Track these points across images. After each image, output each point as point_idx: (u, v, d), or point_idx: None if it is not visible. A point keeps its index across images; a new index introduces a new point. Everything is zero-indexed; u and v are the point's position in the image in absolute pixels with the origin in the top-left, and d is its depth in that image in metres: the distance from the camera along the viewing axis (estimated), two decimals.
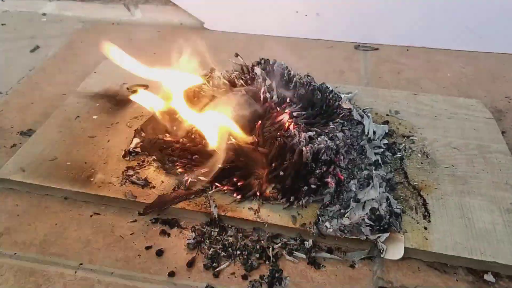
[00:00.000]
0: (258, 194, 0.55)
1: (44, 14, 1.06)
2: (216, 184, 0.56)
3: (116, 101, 0.73)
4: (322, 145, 0.55)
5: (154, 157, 0.60)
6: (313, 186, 0.54)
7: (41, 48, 0.93)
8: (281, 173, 0.54)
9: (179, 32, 0.98)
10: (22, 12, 1.06)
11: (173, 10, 1.00)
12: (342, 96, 0.69)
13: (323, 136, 0.57)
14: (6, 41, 0.95)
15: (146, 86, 0.76)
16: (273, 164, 0.55)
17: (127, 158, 0.61)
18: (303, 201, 0.54)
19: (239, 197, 0.55)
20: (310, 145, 0.55)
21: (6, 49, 0.93)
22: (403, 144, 0.67)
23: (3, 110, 0.75)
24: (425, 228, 0.55)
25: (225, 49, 0.94)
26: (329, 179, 0.55)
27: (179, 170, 0.58)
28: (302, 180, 0.55)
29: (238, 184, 0.55)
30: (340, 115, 0.65)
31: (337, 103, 0.67)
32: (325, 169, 0.55)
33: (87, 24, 1.03)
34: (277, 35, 0.97)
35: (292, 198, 0.54)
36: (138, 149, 0.62)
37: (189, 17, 1.00)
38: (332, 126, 0.61)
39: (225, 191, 0.56)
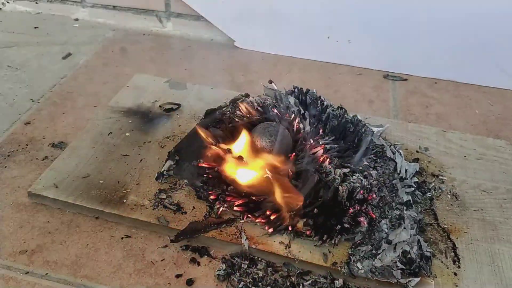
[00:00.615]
0: (290, 228, 0.55)
1: (76, 20, 1.06)
2: (249, 215, 0.56)
3: (148, 119, 0.73)
4: (358, 184, 0.55)
5: (186, 181, 0.61)
6: (346, 225, 0.54)
7: (72, 55, 0.93)
8: (315, 210, 0.54)
9: (210, 48, 0.99)
10: (55, 16, 1.07)
11: (204, 25, 1.01)
12: (375, 130, 0.69)
13: (357, 174, 0.57)
14: (38, 46, 0.96)
15: (178, 105, 0.76)
16: (307, 200, 0.55)
17: (160, 181, 0.62)
18: (336, 240, 0.54)
19: (270, 230, 0.55)
20: (346, 183, 0.55)
21: (39, 53, 0.94)
22: (433, 184, 0.67)
23: (35, 119, 0.76)
24: (455, 274, 0.55)
25: (255, 69, 0.95)
26: (362, 219, 0.55)
27: (212, 197, 0.58)
28: (336, 218, 0.55)
29: (271, 217, 0.55)
30: (373, 151, 0.65)
31: (369, 137, 0.67)
32: (358, 208, 0.55)
33: (118, 32, 1.03)
34: (306, 57, 0.97)
35: (325, 236, 0.54)
36: (171, 172, 0.62)
37: (220, 33, 1.00)
38: (366, 162, 0.61)
39: (258, 223, 0.56)
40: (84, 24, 1.06)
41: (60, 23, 1.05)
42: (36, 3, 1.08)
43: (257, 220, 0.56)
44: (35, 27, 1.03)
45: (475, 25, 0.87)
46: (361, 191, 0.56)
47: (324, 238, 0.54)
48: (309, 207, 0.55)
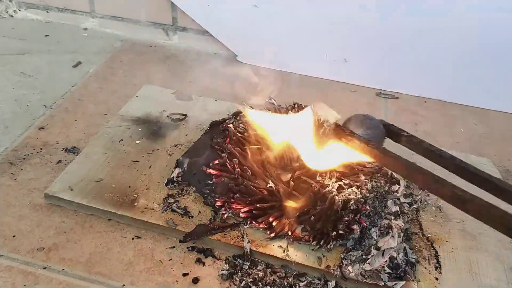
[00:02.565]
0: (289, 234, 0.60)
1: (85, 29, 1.11)
2: (253, 221, 0.61)
3: (157, 128, 0.78)
4: (352, 196, 0.61)
5: (194, 188, 0.65)
6: (340, 232, 0.60)
7: (82, 64, 0.98)
8: (312, 217, 0.60)
9: (213, 62, 1.04)
10: (65, 25, 1.12)
11: (209, 40, 1.06)
12: None
13: (353, 187, 0.63)
14: (49, 54, 1.01)
15: (185, 116, 0.81)
16: (305, 209, 0.60)
17: (169, 187, 0.66)
18: (331, 245, 0.59)
19: (272, 235, 0.60)
20: (342, 194, 0.61)
21: (50, 61, 0.98)
22: (419, 196, 0.72)
23: (48, 125, 0.80)
24: (436, 279, 0.60)
25: (255, 83, 1.00)
26: (355, 226, 0.60)
27: (218, 204, 0.63)
28: (331, 225, 0.60)
29: (273, 223, 0.60)
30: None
31: None
32: (352, 216, 0.60)
33: (126, 43, 1.08)
34: (304, 74, 1.03)
35: (321, 242, 0.59)
36: (180, 179, 0.67)
37: (223, 48, 1.06)
38: (363, 177, 0.66)
39: (260, 228, 0.61)
40: (93, 33, 1.10)
41: (70, 32, 1.10)
42: (47, 11, 1.13)
43: (260, 226, 0.61)
44: (46, 35, 1.08)
45: (462, 48, 0.94)
46: (356, 202, 0.61)
47: (321, 243, 0.59)
48: (306, 214, 0.60)
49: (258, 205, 0.60)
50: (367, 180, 0.65)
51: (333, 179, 0.64)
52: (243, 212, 0.60)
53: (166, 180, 0.67)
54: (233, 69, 1.02)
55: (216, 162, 0.65)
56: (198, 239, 0.61)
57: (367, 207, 0.63)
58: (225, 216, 0.62)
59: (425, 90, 1.00)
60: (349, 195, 0.61)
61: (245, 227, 0.61)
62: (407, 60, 0.98)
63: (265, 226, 0.61)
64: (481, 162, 0.81)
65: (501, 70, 0.95)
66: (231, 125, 0.73)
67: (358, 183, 0.64)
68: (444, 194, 0.43)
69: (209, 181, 0.65)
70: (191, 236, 0.60)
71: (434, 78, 0.99)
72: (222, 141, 0.70)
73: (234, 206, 0.61)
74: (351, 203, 0.60)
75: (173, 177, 0.67)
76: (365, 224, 0.62)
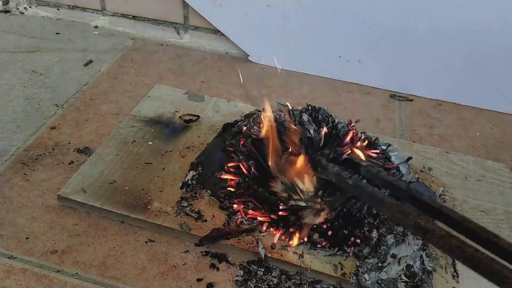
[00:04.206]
0: (306, 239, 0.59)
1: (96, 27, 1.10)
2: (272, 230, 0.60)
3: (169, 129, 0.77)
4: None
5: (209, 191, 0.65)
6: (359, 238, 0.59)
7: (93, 63, 0.97)
8: (335, 222, 0.59)
9: (225, 61, 1.03)
10: (75, 23, 1.11)
11: (220, 39, 1.05)
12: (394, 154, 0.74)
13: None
14: (60, 52, 1.00)
15: (197, 117, 0.80)
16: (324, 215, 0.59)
17: (184, 190, 0.65)
18: (350, 252, 0.59)
19: (291, 242, 0.59)
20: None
21: (61, 60, 0.97)
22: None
23: (60, 125, 0.80)
24: None
25: (268, 84, 0.99)
26: (373, 233, 0.59)
27: (234, 208, 0.62)
28: (350, 230, 0.59)
29: (290, 230, 0.59)
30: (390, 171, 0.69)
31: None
32: (372, 221, 0.60)
33: (137, 41, 1.07)
34: (317, 74, 1.02)
35: (340, 248, 0.58)
36: (194, 182, 0.66)
37: (234, 47, 1.04)
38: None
39: (276, 235, 0.61)
40: (104, 32, 1.10)
41: (80, 30, 1.09)
42: (58, 9, 1.12)
43: (278, 233, 0.60)
44: (56, 33, 1.07)
45: (478, 50, 0.92)
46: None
47: (341, 250, 0.59)
48: (324, 221, 0.59)
49: (273, 216, 0.59)
50: None
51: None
52: (259, 219, 0.59)
53: (181, 184, 0.66)
54: (245, 69, 1.01)
55: (230, 164, 0.64)
56: (215, 242, 0.60)
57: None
58: (239, 221, 0.61)
59: (440, 93, 0.98)
60: None
61: (262, 234, 0.61)
62: (421, 62, 0.96)
63: (282, 234, 0.60)
64: (497, 168, 0.80)
65: None
66: (244, 127, 0.72)
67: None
68: (407, 224, 0.44)
69: (224, 184, 0.64)
70: (207, 239, 0.60)
71: (449, 81, 0.97)
72: (235, 143, 0.69)
73: (250, 212, 0.60)
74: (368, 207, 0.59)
75: (188, 180, 0.66)
76: (381, 231, 0.61)
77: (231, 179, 0.63)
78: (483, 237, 0.40)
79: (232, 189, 0.63)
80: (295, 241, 0.59)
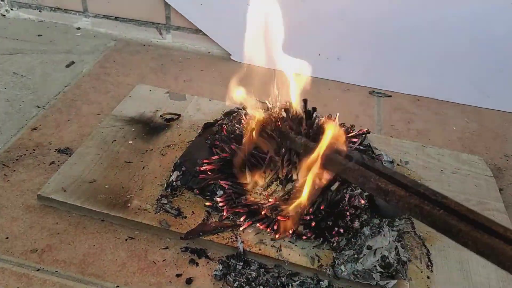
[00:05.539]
0: (290, 232, 0.61)
1: (78, 29, 1.11)
2: (258, 225, 0.61)
3: (150, 128, 0.78)
4: (357, 192, 0.62)
5: (196, 191, 0.66)
6: (342, 228, 0.60)
7: (75, 64, 0.98)
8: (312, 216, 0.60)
9: (207, 61, 1.04)
10: (57, 24, 1.11)
11: (202, 38, 1.06)
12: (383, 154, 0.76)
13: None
14: (42, 53, 1.00)
15: (178, 116, 0.81)
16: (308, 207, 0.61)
17: (168, 190, 0.66)
18: (335, 242, 0.60)
19: (277, 236, 0.61)
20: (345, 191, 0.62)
21: (43, 61, 0.98)
22: None
23: (41, 126, 0.80)
24: (428, 277, 0.61)
25: (250, 82, 1.00)
26: (355, 223, 0.61)
27: (220, 204, 0.63)
28: (333, 221, 0.61)
29: (275, 226, 0.60)
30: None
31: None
32: (353, 212, 0.61)
33: (119, 42, 1.08)
34: (297, 72, 1.03)
35: (325, 238, 0.60)
36: (179, 183, 0.67)
37: (217, 47, 1.06)
38: None
39: (261, 228, 0.62)
40: (86, 33, 1.10)
41: (62, 32, 1.09)
42: (40, 11, 1.12)
43: (261, 227, 0.61)
44: (38, 35, 1.07)
45: (455, 47, 0.95)
46: (359, 198, 0.62)
47: (325, 240, 0.60)
48: (308, 212, 0.61)
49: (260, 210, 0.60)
50: None
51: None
52: (244, 218, 0.61)
53: (166, 184, 0.67)
54: (227, 68, 1.02)
55: (214, 158, 0.65)
56: (199, 237, 0.61)
57: (362, 200, 0.63)
58: (224, 217, 0.63)
59: (418, 89, 1.01)
60: (352, 191, 0.61)
61: (248, 229, 0.62)
62: (400, 58, 0.99)
63: (266, 227, 0.61)
64: (472, 160, 0.82)
65: (493, 69, 0.95)
66: (224, 126, 0.74)
67: None
68: (369, 187, 0.46)
69: (209, 182, 0.65)
70: (192, 233, 0.61)
71: (427, 77, 0.99)
72: (218, 138, 0.70)
73: (237, 210, 0.62)
74: (355, 198, 0.61)
75: (172, 180, 0.67)
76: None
77: (209, 163, 0.65)
78: (433, 199, 0.43)
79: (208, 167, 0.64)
80: (280, 233, 0.61)
